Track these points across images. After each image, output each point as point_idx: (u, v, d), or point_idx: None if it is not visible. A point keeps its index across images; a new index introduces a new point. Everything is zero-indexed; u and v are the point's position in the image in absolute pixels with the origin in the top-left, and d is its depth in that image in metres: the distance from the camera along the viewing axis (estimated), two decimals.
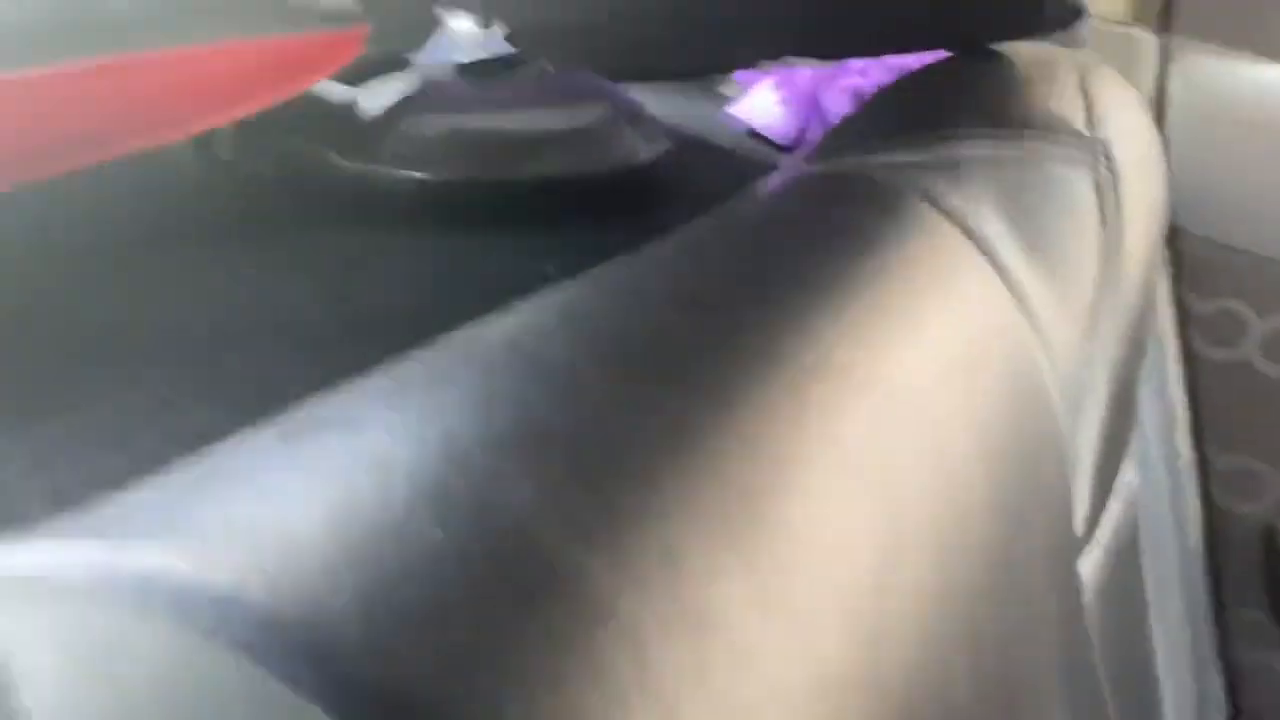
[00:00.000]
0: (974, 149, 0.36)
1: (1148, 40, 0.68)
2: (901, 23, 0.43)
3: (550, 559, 0.13)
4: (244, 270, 0.36)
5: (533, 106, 0.48)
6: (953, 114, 0.38)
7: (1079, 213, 0.37)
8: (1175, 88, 0.66)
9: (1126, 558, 0.46)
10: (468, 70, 0.46)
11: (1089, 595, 0.39)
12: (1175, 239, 0.63)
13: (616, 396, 0.17)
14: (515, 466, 0.14)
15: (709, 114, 0.68)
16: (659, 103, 0.61)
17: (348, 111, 0.42)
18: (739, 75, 0.69)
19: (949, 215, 0.33)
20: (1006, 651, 0.24)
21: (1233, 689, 0.63)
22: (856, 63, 0.63)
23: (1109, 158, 0.39)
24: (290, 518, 0.12)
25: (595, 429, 0.16)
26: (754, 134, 0.65)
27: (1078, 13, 0.38)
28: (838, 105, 0.61)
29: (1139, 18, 0.68)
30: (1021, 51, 0.43)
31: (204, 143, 0.38)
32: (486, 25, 0.48)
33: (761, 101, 0.65)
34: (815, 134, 0.62)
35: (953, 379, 0.26)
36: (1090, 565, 0.40)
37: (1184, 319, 0.65)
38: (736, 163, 0.60)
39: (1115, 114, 0.41)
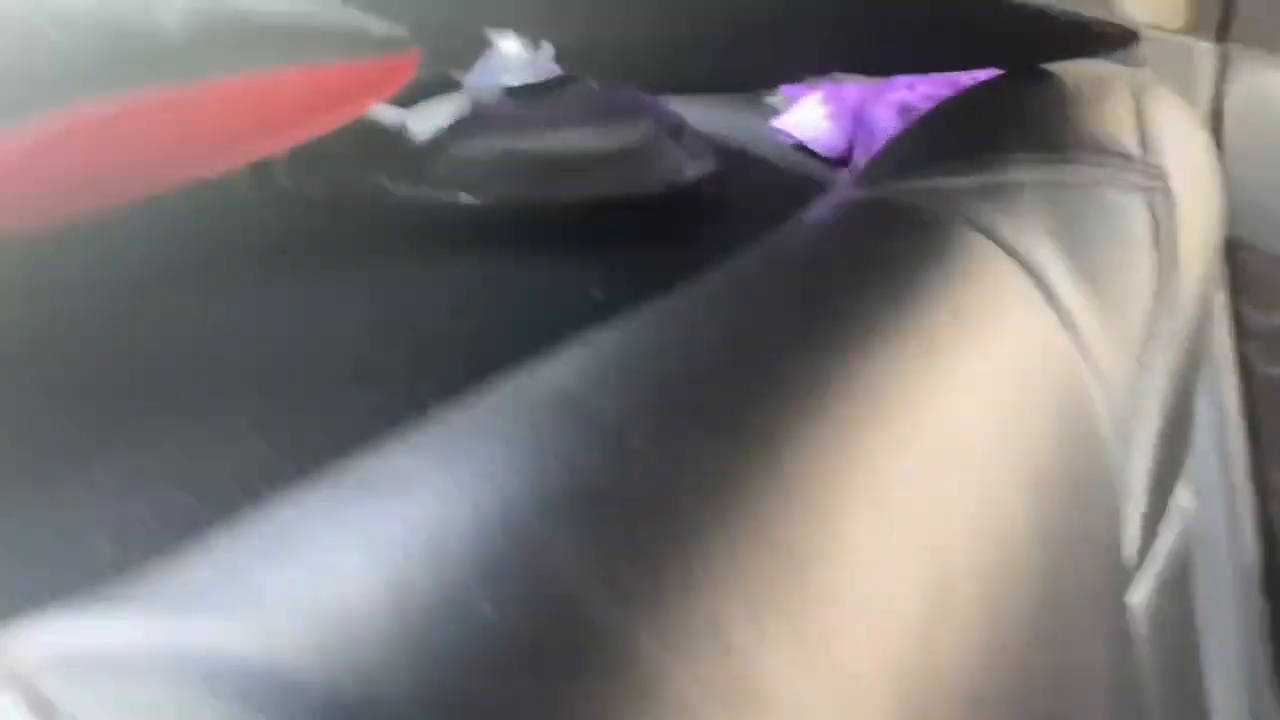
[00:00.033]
0: (1024, 174, 0.36)
1: (1206, 50, 0.67)
2: (951, 42, 0.42)
3: (600, 633, 0.13)
4: (300, 298, 0.37)
5: (578, 125, 0.49)
6: (1002, 138, 0.37)
7: (1132, 239, 0.36)
8: (1233, 97, 0.65)
9: (1179, 584, 0.45)
10: (516, 92, 0.47)
11: (1140, 625, 0.38)
12: (1232, 252, 0.62)
13: (665, 454, 0.17)
14: (566, 535, 0.14)
15: (755, 127, 0.68)
16: (704, 115, 0.61)
17: (398, 135, 0.43)
18: (785, 88, 0.69)
19: (999, 243, 0.32)
20: (1056, 694, 0.24)
21: None
22: (904, 76, 0.63)
23: (1163, 180, 0.38)
24: (349, 593, 0.12)
25: (644, 490, 0.16)
26: (800, 147, 0.65)
27: (1132, 36, 0.37)
28: (885, 119, 0.61)
29: (1196, 27, 0.67)
30: (1074, 70, 0.43)
31: (261, 169, 0.39)
32: (535, 46, 0.48)
33: (808, 115, 0.65)
34: (862, 148, 0.61)
35: (1002, 417, 0.26)
36: (1141, 594, 0.39)
37: (1241, 334, 0.64)
38: (783, 178, 0.60)
39: (1170, 134, 0.41)
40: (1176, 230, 0.38)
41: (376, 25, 0.40)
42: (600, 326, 0.24)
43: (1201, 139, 0.44)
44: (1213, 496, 0.61)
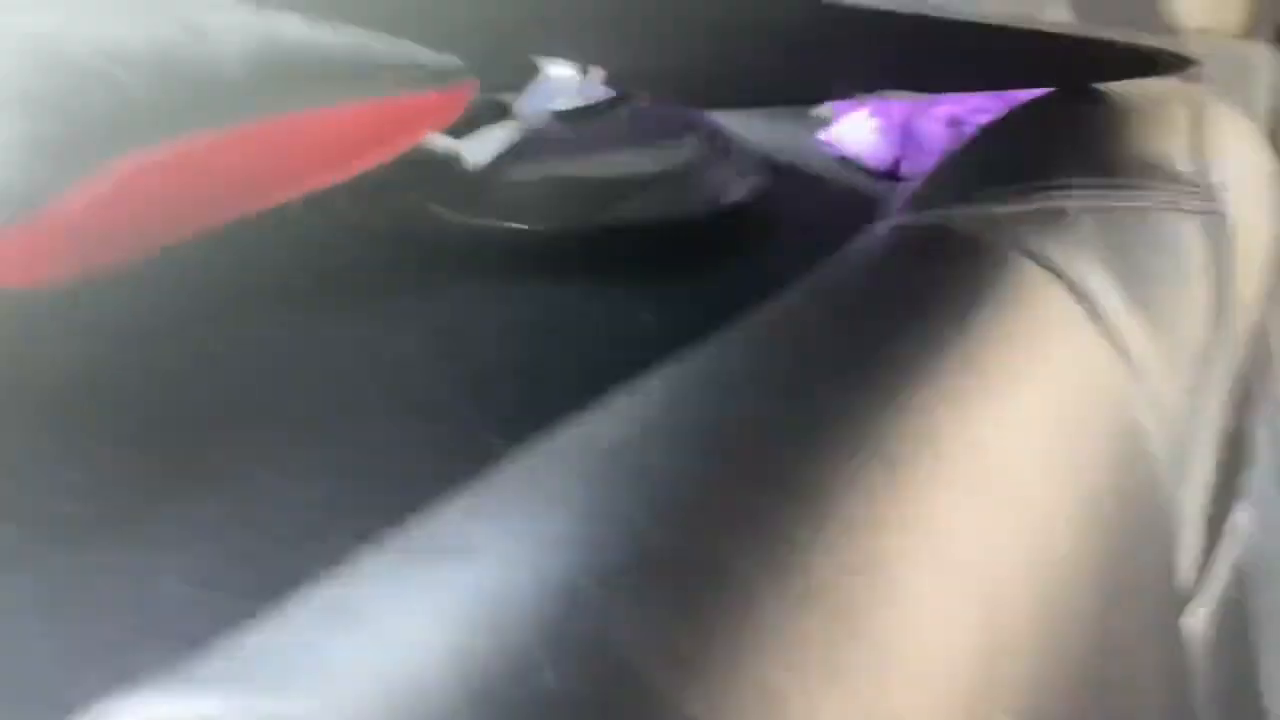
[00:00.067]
0: (1078, 199, 0.35)
1: (1265, 53, 0.66)
2: (1002, 63, 0.42)
3: (655, 699, 0.13)
4: (358, 330, 0.38)
5: (628, 147, 0.49)
6: (1054, 161, 0.37)
7: (1187, 264, 0.36)
8: None
9: (1237, 606, 0.44)
10: (565, 116, 0.47)
11: (1196, 648, 0.38)
12: None
13: (717, 512, 0.17)
14: (623, 601, 0.15)
15: (802, 139, 0.68)
16: (751, 127, 0.61)
17: (452, 164, 0.44)
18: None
19: (1051, 271, 0.32)
20: None
21: None
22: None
23: (1220, 202, 0.38)
24: (418, 662, 0.13)
25: (698, 550, 0.16)
26: (847, 159, 0.65)
27: (1187, 62, 0.37)
28: (934, 132, 0.60)
29: (1254, 30, 0.66)
30: (1127, 88, 0.42)
31: (318, 199, 0.40)
32: (584, 71, 0.49)
33: (856, 127, 0.64)
34: (911, 161, 0.61)
35: (1057, 454, 0.26)
36: (1197, 618, 0.39)
37: None
38: (831, 193, 0.60)
39: (1229, 153, 0.40)
40: (1233, 253, 0.38)
41: (430, 57, 0.40)
42: (651, 361, 0.25)
43: (1262, 156, 0.44)
44: (1272, 515, 0.60)
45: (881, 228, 0.36)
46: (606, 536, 0.16)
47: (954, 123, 0.60)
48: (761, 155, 0.56)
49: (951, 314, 0.28)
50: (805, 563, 0.17)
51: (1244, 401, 0.42)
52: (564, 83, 0.48)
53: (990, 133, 0.41)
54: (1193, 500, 0.37)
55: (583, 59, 0.48)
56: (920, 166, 0.61)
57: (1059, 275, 0.32)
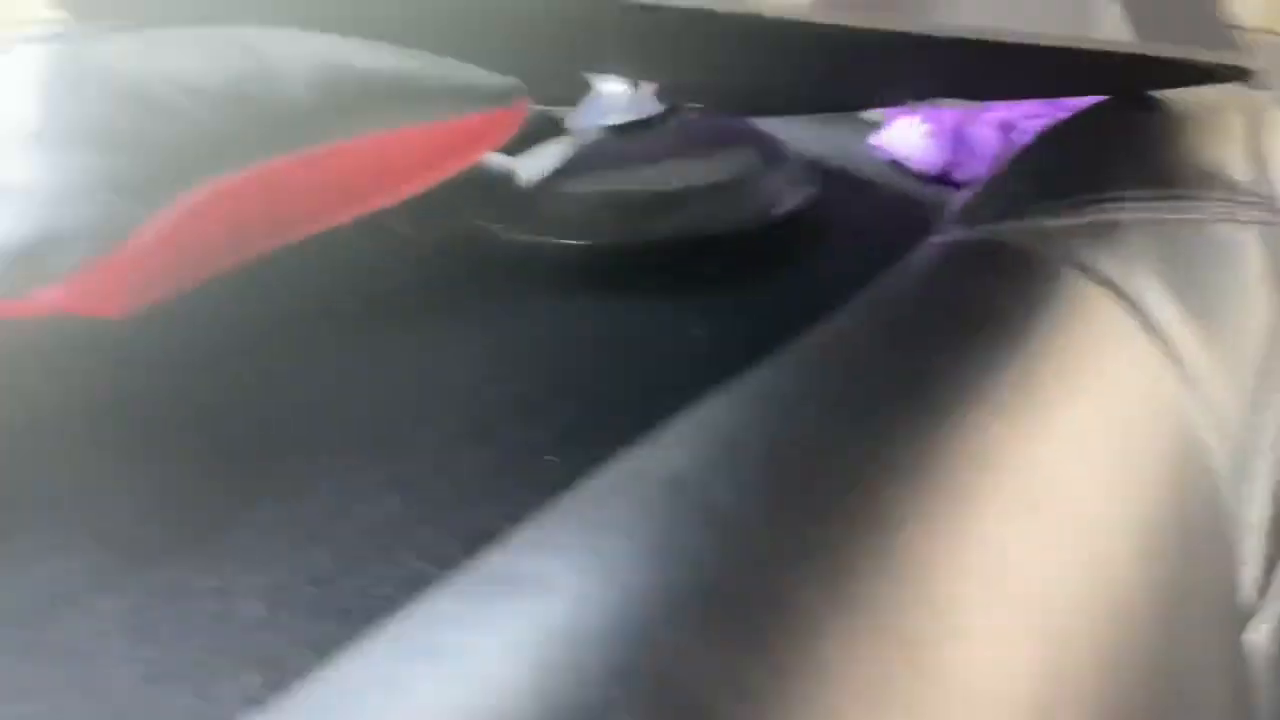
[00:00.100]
0: (1132, 212, 0.35)
1: None
2: (1055, 72, 0.42)
3: None
4: (417, 348, 0.39)
5: (679, 159, 0.49)
6: (1109, 173, 0.37)
7: (1246, 276, 0.35)
8: None
9: None
10: (618, 130, 0.48)
11: (1259, 663, 0.37)
12: None
13: (782, 544, 0.18)
14: (693, 637, 0.15)
15: (852, 144, 0.68)
16: (801, 133, 0.61)
17: (507, 181, 0.45)
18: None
19: (1107, 286, 0.32)
20: None
21: None
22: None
23: (1279, 212, 0.37)
24: (499, 703, 0.14)
25: (764, 585, 0.17)
26: (897, 164, 0.65)
27: (1244, 74, 0.36)
28: (986, 137, 0.60)
29: None
30: (1182, 96, 0.42)
31: (376, 219, 0.41)
32: (635, 85, 0.49)
33: (907, 132, 0.64)
34: (962, 166, 0.61)
35: (1115, 475, 0.26)
36: (1261, 633, 0.38)
37: None
38: (882, 200, 0.60)
39: None
40: None
41: (486, 77, 0.41)
42: (704, 377, 0.25)
43: None
44: None
45: (934, 242, 0.36)
46: (674, 572, 0.16)
47: (1005, 127, 0.59)
48: (813, 162, 0.57)
49: (1006, 332, 0.28)
50: (869, 595, 0.17)
51: None
52: (616, 98, 0.49)
53: (1041, 143, 0.41)
54: (1255, 514, 0.36)
55: (634, 75, 0.49)
56: (972, 171, 0.60)
57: (1113, 289, 0.32)
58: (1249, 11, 0.53)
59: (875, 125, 0.68)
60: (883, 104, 0.65)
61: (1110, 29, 0.50)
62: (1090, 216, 0.35)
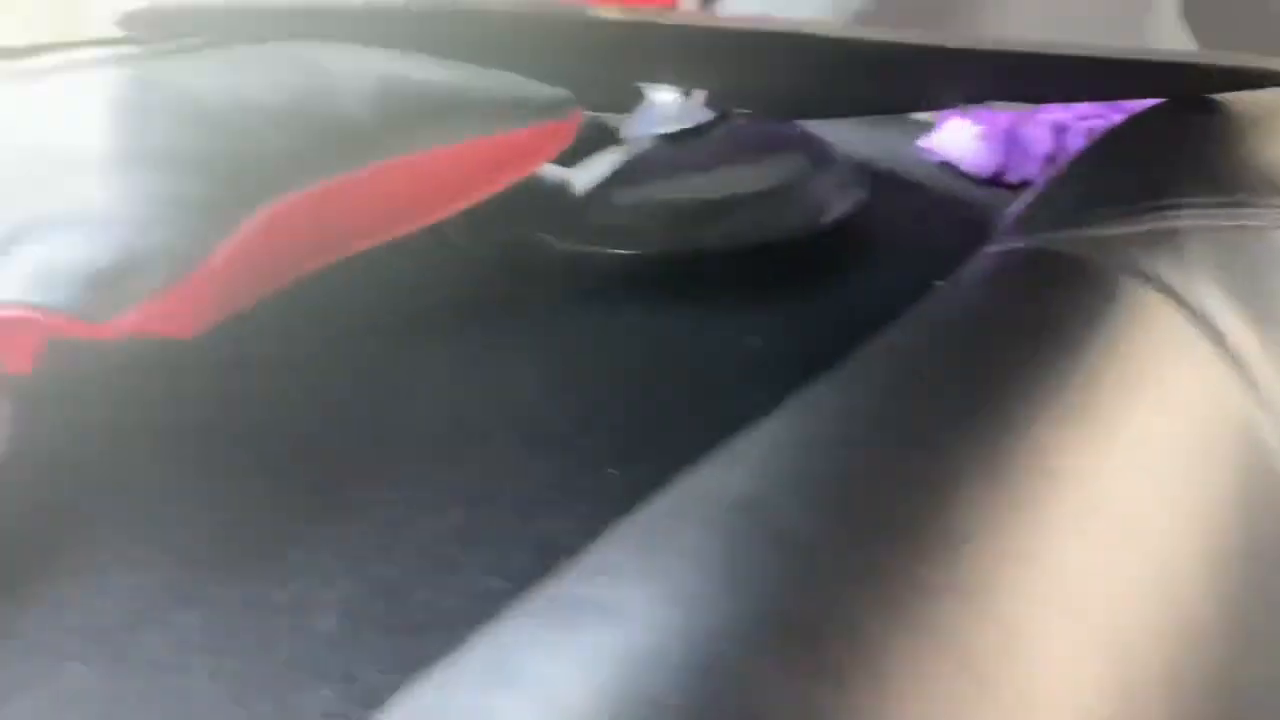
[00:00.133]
0: (1192, 219, 0.35)
1: None
2: (1110, 78, 0.42)
3: None
4: (475, 359, 0.39)
5: (730, 165, 0.50)
6: (1167, 179, 0.37)
7: None
8: None
9: None
10: (669, 139, 0.48)
11: None
12: None
13: (852, 567, 0.18)
14: (766, 664, 0.15)
15: (901, 145, 0.68)
16: (850, 135, 0.61)
17: (561, 192, 0.45)
18: None
19: (1168, 295, 0.32)
20: None
21: None
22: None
23: None
24: None
25: (836, 609, 0.17)
26: (948, 167, 0.65)
27: None
28: (1039, 139, 0.59)
29: None
30: (1243, 98, 0.41)
31: (438, 231, 0.41)
32: (687, 94, 0.49)
33: (958, 134, 0.64)
34: (1015, 168, 0.60)
35: (1180, 488, 0.26)
36: None
37: None
38: (933, 204, 0.59)
39: None
40: None
41: (541, 90, 0.42)
42: (759, 387, 0.25)
43: None
44: None
45: (989, 252, 0.36)
46: (747, 600, 0.17)
47: (1059, 129, 0.59)
48: (863, 165, 0.56)
49: (1066, 344, 0.28)
50: (937, 618, 0.17)
51: None
52: (668, 107, 0.49)
53: (1097, 149, 0.41)
54: None
55: (685, 85, 0.49)
56: (1025, 173, 0.60)
57: (1174, 297, 0.31)
58: None
59: (925, 127, 0.68)
60: (934, 107, 0.64)
61: (1168, 31, 0.49)
62: (1149, 224, 0.34)
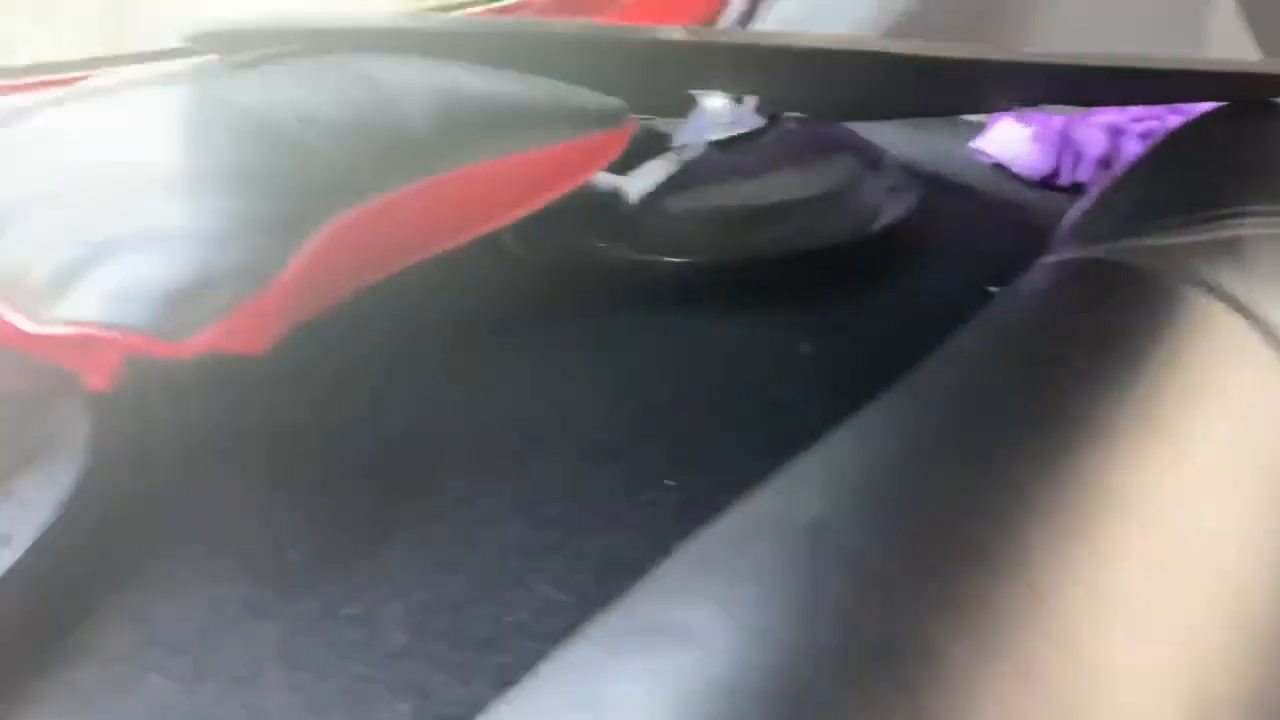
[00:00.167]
0: (1254, 227, 0.34)
1: None
2: (1169, 79, 0.41)
3: None
4: (532, 366, 0.40)
5: (781, 170, 0.50)
6: (1226, 186, 0.36)
7: None
8: None
9: None
10: (720, 145, 0.48)
11: None
12: None
13: (926, 591, 0.18)
14: (845, 689, 0.16)
15: (952, 147, 0.67)
16: (899, 136, 0.61)
17: (613, 199, 0.45)
18: None
19: (1229, 303, 0.31)
20: None
21: None
22: None
23: None
24: None
25: (911, 634, 0.17)
26: (1000, 168, 0.64)
27: None
28: (1094, 140, 0.59)
29: None
30: None
31: (494, 240, 0.42)
32: (738, 101, 0.49)
33: (1010, 135, 0.63)
34: (1068, 171, 0.60)
35: (1246, 502, 0.26)
36: None
37: None
38: (984, 207, 0.59)
39: None
40: None
41: (595, 99, 0.42)
42: (813, 394, 0.25)
43: None
44: None
45: (1048, 262, 0.36)
46: (821, 623, 0.17)
47: (1114, 131, 0.58)
48: (913, 168, 0.56)
49: (1131, 357, 0.28)
50: (1014, 644, 0.17)
51: None
52: (719, 113, 0.49)
53: (1155, 155, 0.40)
54: None
55: (737, 92, 0.49)
56: (1078, 176, 0.59)
57: (1238, 306, 0.31)
58: None
59: (977, 128, 0.67)
60: (987, 110, 0.64)
61: (1227, 27, 0.49)
62: (1211, 233, 0.34)
